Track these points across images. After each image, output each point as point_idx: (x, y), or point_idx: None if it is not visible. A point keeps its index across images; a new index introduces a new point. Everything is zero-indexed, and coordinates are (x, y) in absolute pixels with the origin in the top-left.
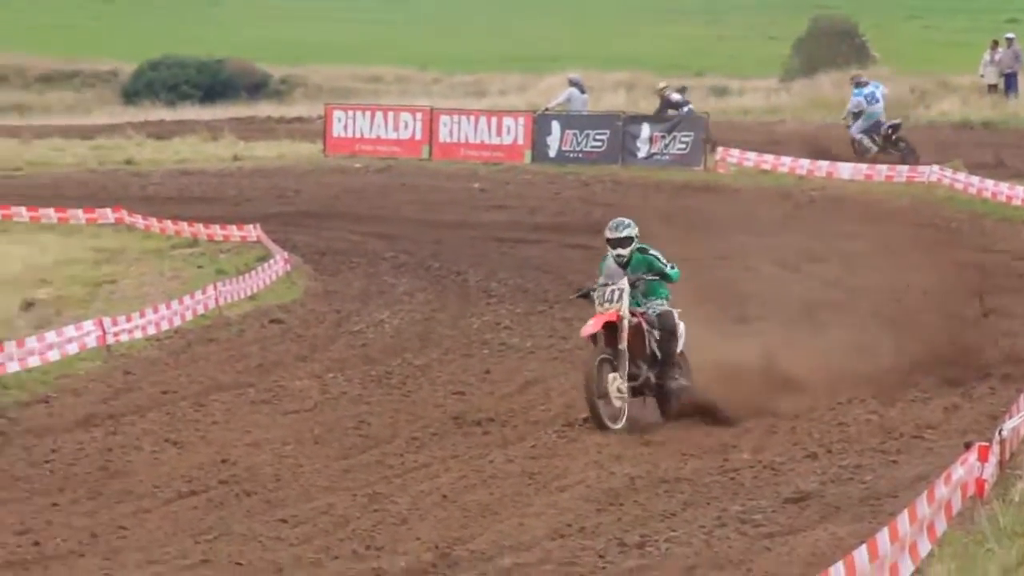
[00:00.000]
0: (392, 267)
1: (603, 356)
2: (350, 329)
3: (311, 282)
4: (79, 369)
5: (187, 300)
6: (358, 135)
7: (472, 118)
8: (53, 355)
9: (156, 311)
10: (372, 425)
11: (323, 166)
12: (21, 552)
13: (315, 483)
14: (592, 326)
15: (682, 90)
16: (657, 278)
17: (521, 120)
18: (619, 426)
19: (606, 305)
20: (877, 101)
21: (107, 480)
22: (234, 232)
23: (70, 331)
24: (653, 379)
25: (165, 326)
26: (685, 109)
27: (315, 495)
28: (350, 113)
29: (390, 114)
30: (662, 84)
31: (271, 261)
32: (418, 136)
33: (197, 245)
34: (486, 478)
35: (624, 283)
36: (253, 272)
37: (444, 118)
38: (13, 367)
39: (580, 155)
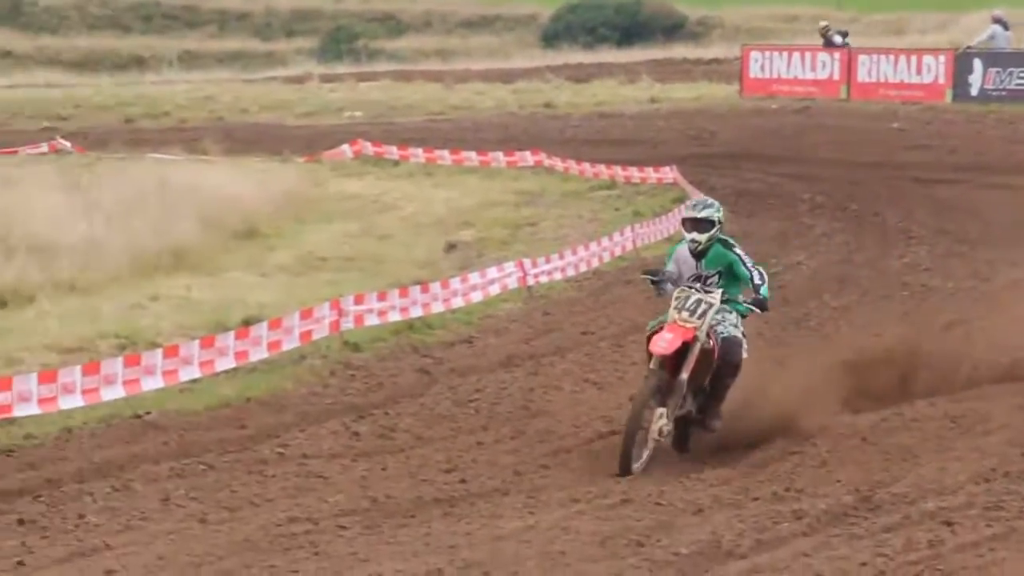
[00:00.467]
0: (809, 208)
1: (659, 384)
2: (767, 271)
3: (727, 224)
4: (501, 309)
5: (605, 242)
6: (775, 76)
7: (891, 57)
8: (476, 296)
9: (575, 253)
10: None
11: (739, 107)
12: (448, 489)
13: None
14: (670, 344)
15: (844, 33)
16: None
17: (942, 59)
18: (637, 467)
19: (684, 315)
20: None
21: (529, 419)
22: (651, 174)
23: (492, 272)
24: (694, 413)
25: (583, 268)
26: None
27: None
28: (767, 54)
29: (807, 54)
30: (823, 23)
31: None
32: (836, 76)
33: (614, 187)
34: (907, 421)
35: (716, 298)
36: (669, 214)
37: (862, 57)
38: (438, 307)
39: (1003, 93)
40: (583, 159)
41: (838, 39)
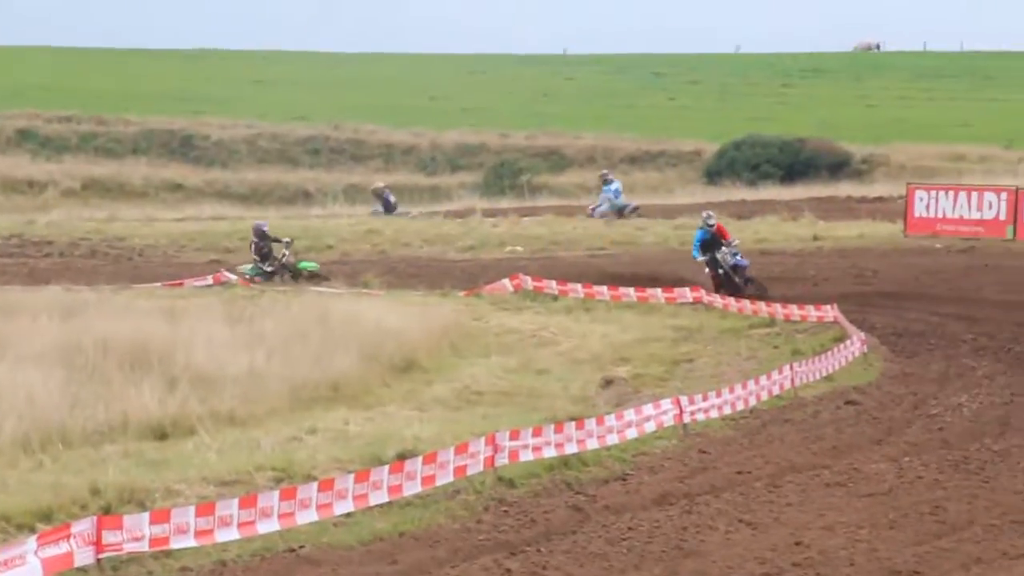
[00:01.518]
0: (972, 349)
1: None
2: (927, 412)
3: (888, 363)
4: (656, 447)
5: (763, 380)
6: (940, 215)
7: None
8: (631, 433)
9: (732, 391)
10: (949, 511)
11: (903, 246)
12: None
13: (890, 569)
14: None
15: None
16: None
17: None
18: None
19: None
20: None
21: (682, 559)
22: (811, 312)
23: (648, 409)
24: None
25: (740, 406)
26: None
27: None
28: (932, 193)
29: (973, 194)
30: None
31: (847, 342)
32: (1002, 216)
33: (774, 325)
34: None
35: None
36: (829, 352)
37: None
38: (592, 444)
39: None
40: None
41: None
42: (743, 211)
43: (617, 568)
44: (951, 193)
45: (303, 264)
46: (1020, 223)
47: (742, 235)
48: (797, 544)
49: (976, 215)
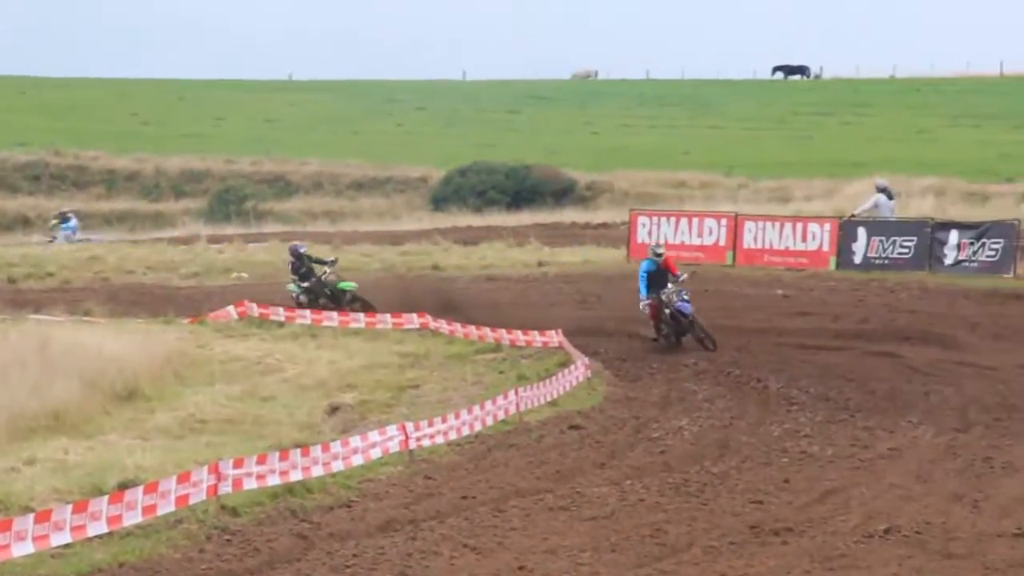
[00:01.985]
0: (693, 373)
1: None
2: (649, 436)
3: (611, 388)
4: (381, 473)
5: (488, 405)
6: (662, 241)
7: (777, 224)
8: (357, 459)
9: (458, 416)
10: (669, 534)
11: (627, 271)
12: None
13: None
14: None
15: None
16: None
17: (827, 226)
18: None
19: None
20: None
21: None
22: (536, 338)
23: (374, 436)
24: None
25: (466, 431)
26: None
27: None
28: (654, 219)
29: (694, 220)
30: None
31: (572, 367)
32: (722, 242)
33: (500, 350)
34: None
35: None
36: (553, 377)
37: (748, 224)
38: (318, 471)
39: (886, 261)
40: (469, 322)
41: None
42: (469, 237)
43: None
44: (673, 219)
45: (342, 284)
46: (739, 249)
47: (468, 261)
48: (521, 568)
49: (697, 241)
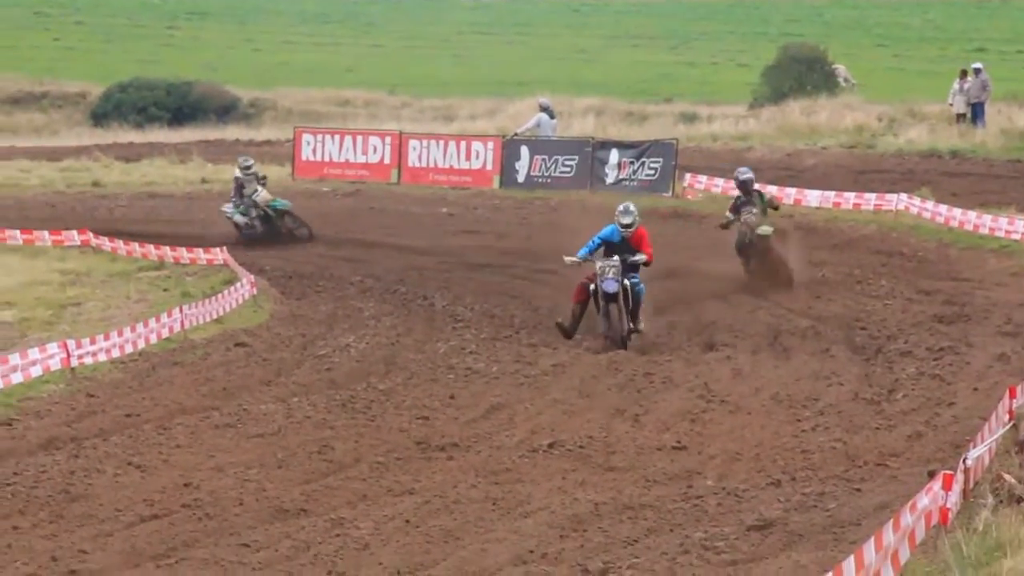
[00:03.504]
0: (359, 291)
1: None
2: (315, 353)
3: (277, 306)
4: (42, 391)
5: (152, 323)
6: (327, 159)
7: (441, 143)
8: (16, 377)
9: (121, 334)
10: (336, 450)
11: (292, 189)
12: None
13: (278, 507)
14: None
15: None
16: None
17: (490, 145)
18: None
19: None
20: None
21: (69, 503)
22: (201, 255)
23: (34, 353)
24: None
25: (130, 349)
26: None
27: (278, 519)
28: (319, 136)
29: (359, 138)
30: None
31: (237, 284)
32: (387, 160)
33: (164, 268)
34: (449, 503)
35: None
36: (219, 295)
37: (413, 142)
38: None
39: (549, 180)
40: (132, 239)
41: None
42: (131, 153)
43: (2, 514)
44: (337, 137)
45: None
46: (404, 167)
47: (130, 178)
48: (186, 485)
49: (362, 159)
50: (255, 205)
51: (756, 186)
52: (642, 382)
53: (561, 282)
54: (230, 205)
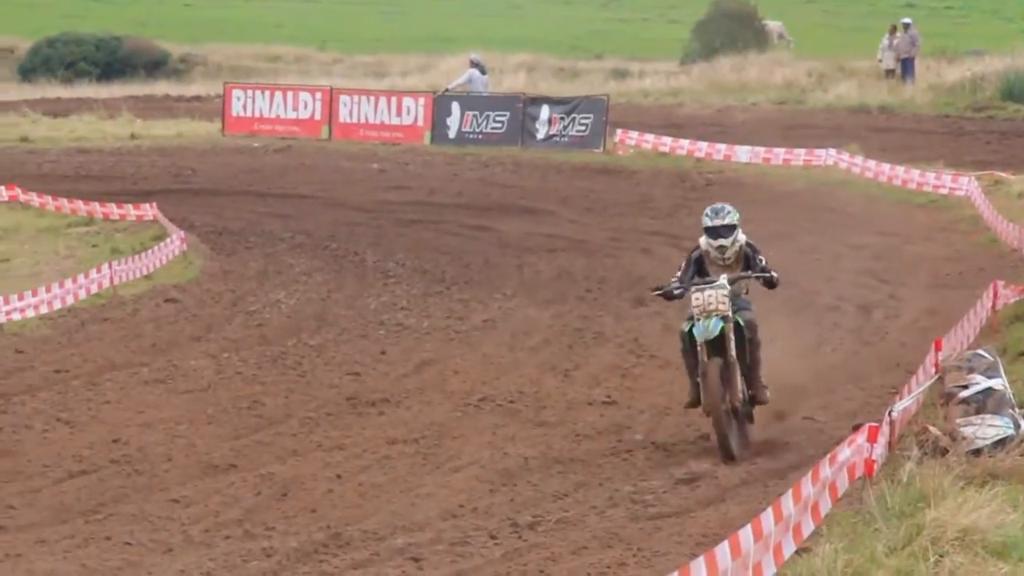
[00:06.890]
0: (289, 247)
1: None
2: (246, 309)
3: (207, 261)
4: None
5: (81, 279)
6: (257, 114)
7: (372, 98)
8: None
9: (49, 290)
10: (266, 405)
11: (221, 145)
12: None
13: (208, 463)
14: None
15: None
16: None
17: (421, 101)
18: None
19: (711, 306)
20: None
21: None
22: (130, 211)
23: None
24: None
25: (58, 305)
26: None
27: (207, 475)
28: (249, 92)
29: (289, 94)
30: None
31: (167, 240)
32: (318, 116)
33: (93, 224)
34: (380, 458)
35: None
36: (149, 251)
37: (344, 98)
38: None
39: (480, 136)
40: (60, 194)
41: None
42: (59, 109)
43: None
44: (268, 92)
45: None
46: (335, 123)
47: (58, 133)
48: (115, 441)
49: (292, 115)
50: None
51: (742, 236)
52: (573, 337)
53: (492, 238)
54: None
